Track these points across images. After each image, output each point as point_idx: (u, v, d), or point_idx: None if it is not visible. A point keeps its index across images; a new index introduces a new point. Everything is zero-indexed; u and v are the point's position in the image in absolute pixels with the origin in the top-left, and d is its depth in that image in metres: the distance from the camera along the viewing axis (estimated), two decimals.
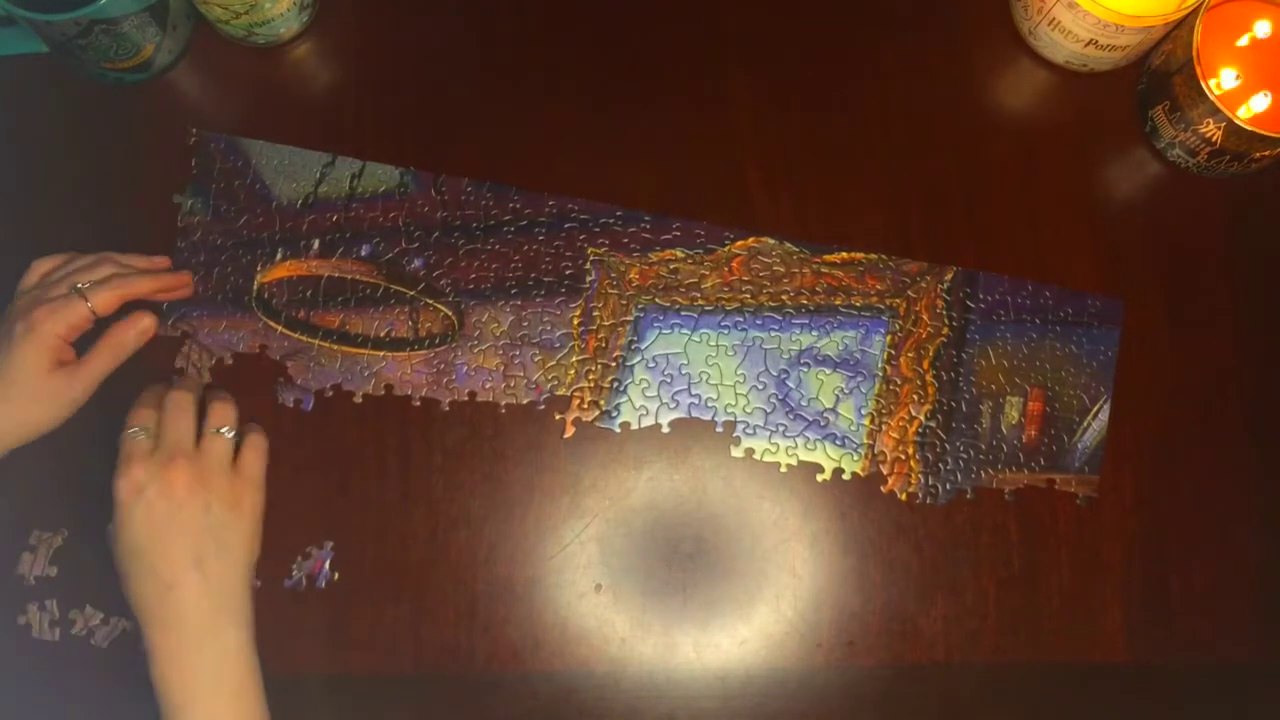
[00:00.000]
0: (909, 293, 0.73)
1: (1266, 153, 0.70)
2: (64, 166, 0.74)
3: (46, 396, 0.65)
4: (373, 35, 0.76)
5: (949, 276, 0.73)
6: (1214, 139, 0.70)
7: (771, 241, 0.73)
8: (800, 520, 0.71)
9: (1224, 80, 0.71)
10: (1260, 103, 0.70)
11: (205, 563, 0.60)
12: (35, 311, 0.64)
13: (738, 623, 0.69)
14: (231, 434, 0.64)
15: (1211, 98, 0.68)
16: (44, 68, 0.74)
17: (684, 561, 0.70)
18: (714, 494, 0.71)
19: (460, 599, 0.69)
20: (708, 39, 0.76)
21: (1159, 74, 0.73)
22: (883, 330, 0.73)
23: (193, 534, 0.60)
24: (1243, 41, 0.72)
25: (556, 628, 0.69)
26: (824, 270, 0.73)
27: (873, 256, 0.73)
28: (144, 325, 0.67)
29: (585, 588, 0.70)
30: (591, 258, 0.73)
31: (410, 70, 0.75)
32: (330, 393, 0.71)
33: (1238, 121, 0.68)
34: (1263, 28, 0.71)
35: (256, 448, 0.65)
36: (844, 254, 0.73)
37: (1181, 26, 0.71)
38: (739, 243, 0.73)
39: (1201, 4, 0.69)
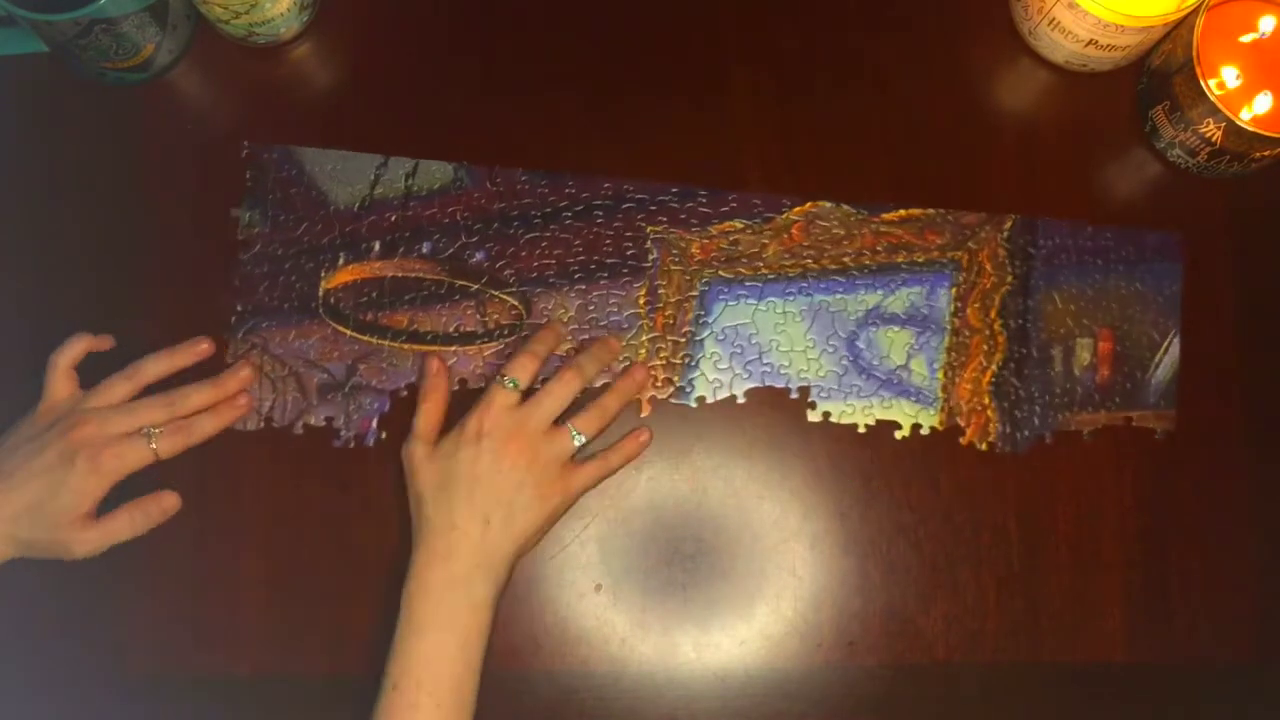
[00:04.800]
0: (969, 244, 0.73)
1: (1267, 153, 0.70)
2: (64, 166, 0.74)
3: (71, 541, 0.64)
4: (373, 35, 0.76)
5: (1008, 225, 0.74)
6: (1214, 139, 0.70)
7: (828, 205, 0.74)
8: (800, 520, 0.71)
9: (1224, 80, 0.71)
10: (1264, 103, 0.70)
11: (490, 524, 0.63)
12: (104, 452, 0.64)
13: (738, 623, 0.69)
14: (582, 440, 0.67)
15: (1211, 98, 0.68)
16: (44, 68, 0.74)
17: (684, 562, 0.70)
18: (714, 494, 0.71)
19: None
20: (707, 38, 0.76)
21: (1159, 74, 0.73)
22: (947, 283, 0.73)
23: (495, 496, 0.64)
24: (1244, 40, 0.72)
25: (556, 628, 0.69)
26: (883, 229, 0.73)
27: (930, 212, 0.74)
28: (167, 505, 0.67)
29: (585, 588, 0.70)
30: (652, 236, 0.73)
31: (410, 70, 0.75)
32: (405, 392, 0.71)
33: (1238, 122, 0.68)
34: (1263, 26, 0.71)
35: (597, 467, 0.68)
36: (902, 211, 0.74)
37: (1181, 26, 0.71)
38: (796, 209, 0.73)
39: (1201, 4, 0.69)
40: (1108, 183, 0.76)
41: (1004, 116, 0.76)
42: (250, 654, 0.69)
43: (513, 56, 0.76)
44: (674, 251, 0.73)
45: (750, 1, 0.77)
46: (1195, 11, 0.69)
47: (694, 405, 0.71)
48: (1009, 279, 0.73)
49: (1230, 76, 0.71)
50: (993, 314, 0.73)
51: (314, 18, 0.75)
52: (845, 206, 0.73)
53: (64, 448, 0.64)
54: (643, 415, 0.71)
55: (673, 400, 0.71)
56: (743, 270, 0.73)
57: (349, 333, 0.71)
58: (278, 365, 0.71)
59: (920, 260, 0.73)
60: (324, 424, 0.70)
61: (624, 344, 0.71)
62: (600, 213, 0.73)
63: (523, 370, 0.67)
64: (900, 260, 0.73)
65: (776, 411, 0.71)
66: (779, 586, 0.70)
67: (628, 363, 0.71)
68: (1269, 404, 0.73)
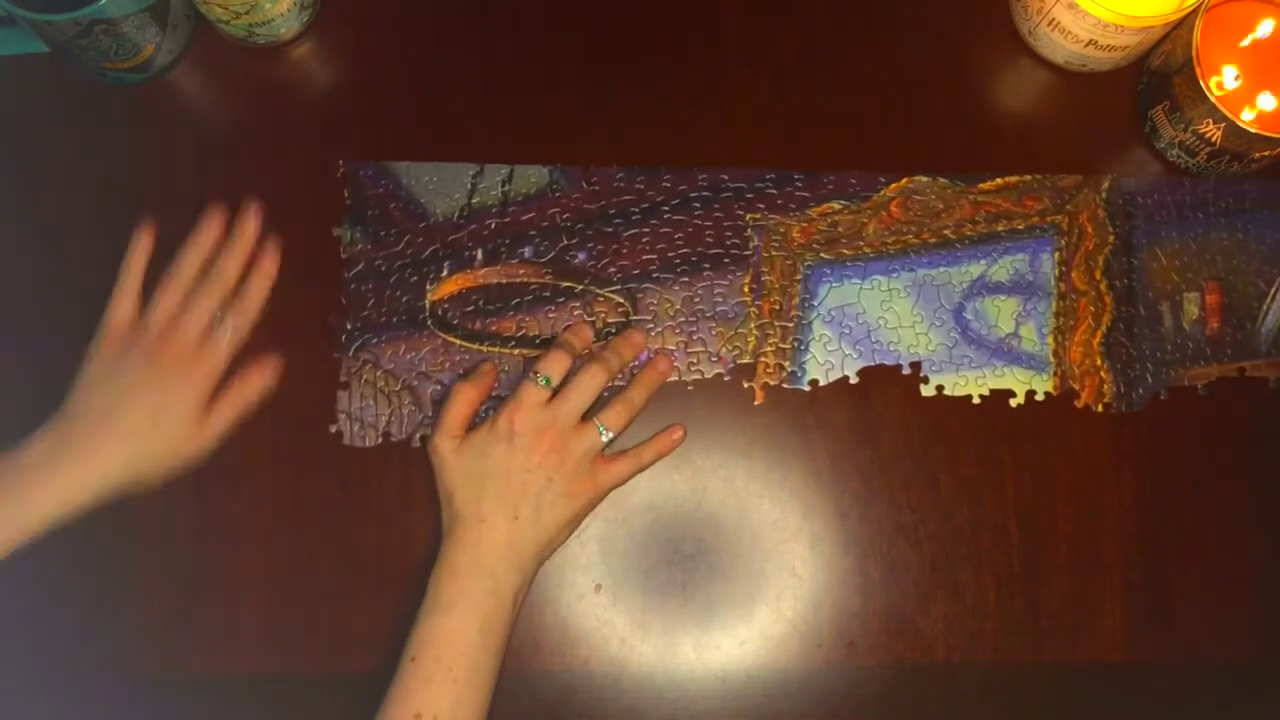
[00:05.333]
0: (1068, 207, 0.74)
1: (1266, 153, 0.70)
2: (63, 167, 0.74)
3: (189, 449, 0.66)
4: (373, 35, 0.76)
5: (1105, 185, 0.74)
6: (1214, 139, 0.70)
7: (924, 179, 0.74)
8: (800, 520, 0.71)
9: (1224, 81, 0.71)
10: (1264, 104, 0.70)
11: (518, 519, 0.64)
12: (192, 360, 0.66)
13: (738, 623, 0.69)
14: (610, 436, 0.67)
15: (1211, 98, 0.68)
16: (44, 68, 0.74)
17: (684, 561, 0.70)
18: (714, 494, 0.71)
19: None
20: (706, 37, 0.76)
21: (1159, 74, 0.73)
22: (1049, 248, 0.73)
23: (524, 492, 0.64)
24: (1244, 43, 0.72)
25: (556, 628, 0.69)
26: (981, 199, 0.74)
27: (1027, 178, 0.74)
28: (263, 378, 0.68)
29: (585, 588, 0.70)
30: (751, 224, 0.73)
31: (411, 70, 0.75)
32: None
33: (1238, 122, 0.68)
34: (1263, 28, 0.71)
35: (628, 463, 0.68)
36: (999, 180, 0.74)
37: (1181, 27, 0.71)
38: (893, 185, 0.74)
39: (1201, 4, 0.69)
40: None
41: (1004, 116, 0.76)
42: (250, 654, 0.69)
43: (512, 56, 0.76)
44: (775, 237, 0.73)
45: (751, 1, 0.77)
46: (1195, 12, 0.69)
47: (807, 389, 0.72)
48: (1111, 239, 0.73)
49: (1230, 77, 0.71)
50: (1097, 275, 0.73)
51: (314, 18, 0.75)
52: (941, 179, 0.74)
53: (155, 371, 0.65)
54: (756, 403, 0.71)
55: (786, 386, 0.72)
56: (844, 250, 0.73)
57: (458, 342, 0.72)
58: (390, 380, 0.71)
59: (1021, 227, 0.74)
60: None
61: (733, 333, 0.72)
62: (698, 204, 0.74)
63: (554, 367, 0.67)
64: (1001, 228, 0.74)
65: (887, 389, 0.72)
66: (779, 586, 0.70)
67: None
68: (1270, 404, 0.73)
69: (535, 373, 0.67)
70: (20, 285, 0.72)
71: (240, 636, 0.69)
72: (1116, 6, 0.69)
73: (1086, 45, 0.72)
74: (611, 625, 0.69)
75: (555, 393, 0.67)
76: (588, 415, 0.67)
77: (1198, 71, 0.68)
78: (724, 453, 0.71)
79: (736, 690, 0.69)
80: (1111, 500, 0.71)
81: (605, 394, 0.69)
